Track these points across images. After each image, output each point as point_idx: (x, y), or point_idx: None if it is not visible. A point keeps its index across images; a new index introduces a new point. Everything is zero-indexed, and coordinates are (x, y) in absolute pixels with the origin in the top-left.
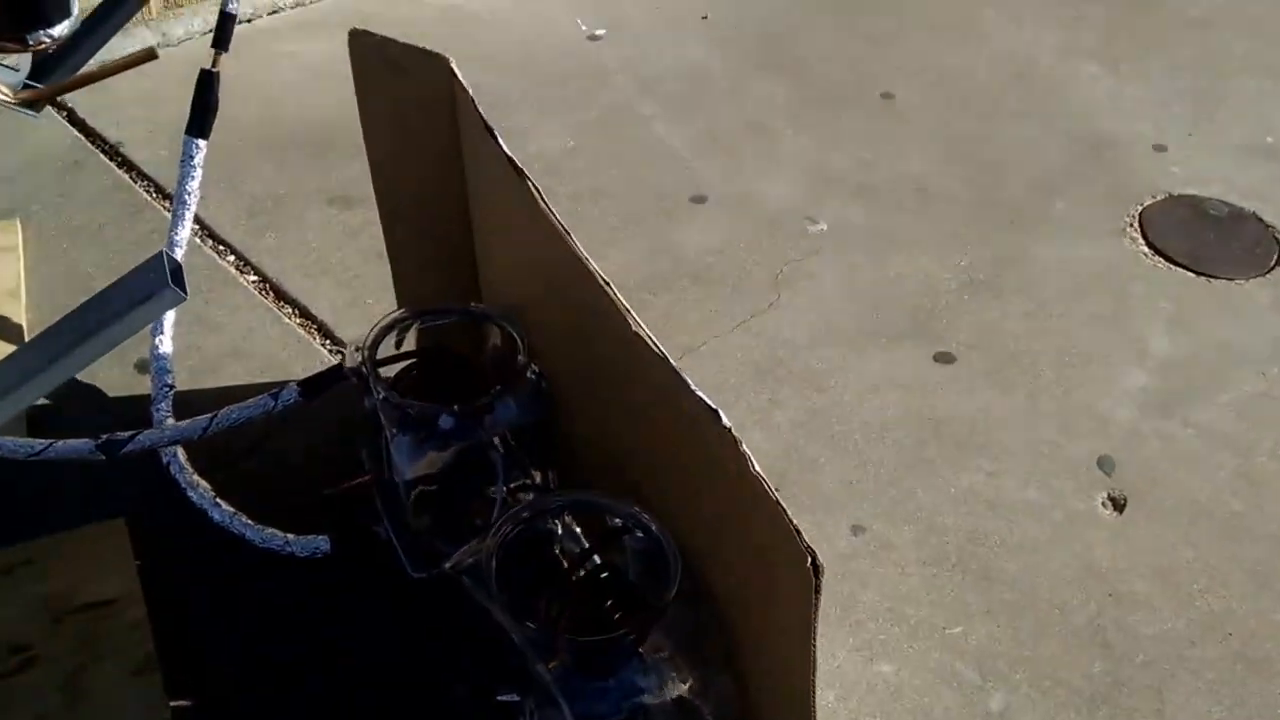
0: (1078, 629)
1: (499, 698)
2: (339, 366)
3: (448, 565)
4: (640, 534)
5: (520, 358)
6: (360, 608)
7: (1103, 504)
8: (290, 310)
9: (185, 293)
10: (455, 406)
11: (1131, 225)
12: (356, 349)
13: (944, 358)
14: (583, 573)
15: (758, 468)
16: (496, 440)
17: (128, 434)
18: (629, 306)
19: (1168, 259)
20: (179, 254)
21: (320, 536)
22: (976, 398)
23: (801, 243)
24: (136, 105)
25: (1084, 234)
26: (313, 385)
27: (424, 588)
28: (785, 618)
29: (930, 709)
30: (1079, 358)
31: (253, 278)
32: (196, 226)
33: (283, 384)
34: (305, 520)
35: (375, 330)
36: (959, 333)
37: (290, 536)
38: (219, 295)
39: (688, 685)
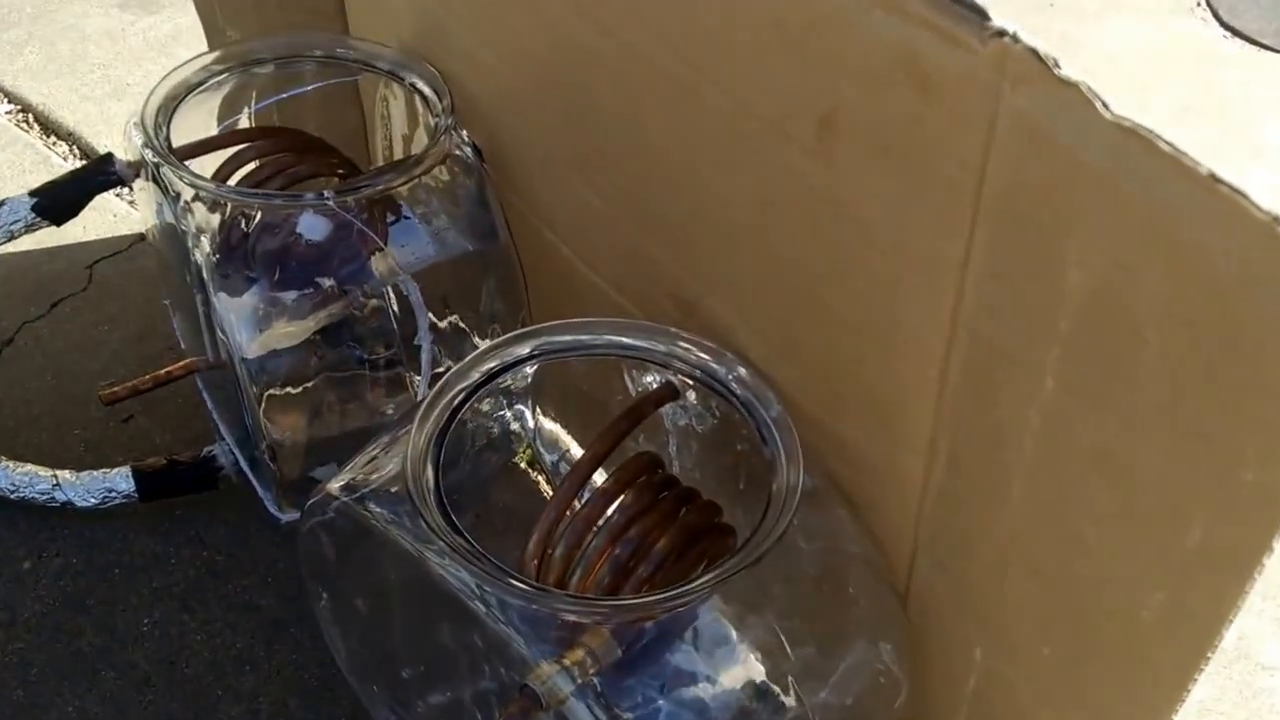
0: None
1: None
2: (106, 158)
3: (335, 485)
4: (717, 395)
5: (439, 120)
6: (192, 586)
7: None
8: (67, 147)
9: None
10: (325, 192)
11: None
12: (136, 124)
13: None
14: (599, 485)
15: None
16: (399, 267)
17: None
18: None
19: None
20: None
21: (115, 471)
22: None
23: None
24: None
25: None
26: (57, 193)
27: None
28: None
29: None
30: None
31: (6, 108)
32: None
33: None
34: (97, 453)
35: (165, 88)
36: None
37: (64, 474)
38: None
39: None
